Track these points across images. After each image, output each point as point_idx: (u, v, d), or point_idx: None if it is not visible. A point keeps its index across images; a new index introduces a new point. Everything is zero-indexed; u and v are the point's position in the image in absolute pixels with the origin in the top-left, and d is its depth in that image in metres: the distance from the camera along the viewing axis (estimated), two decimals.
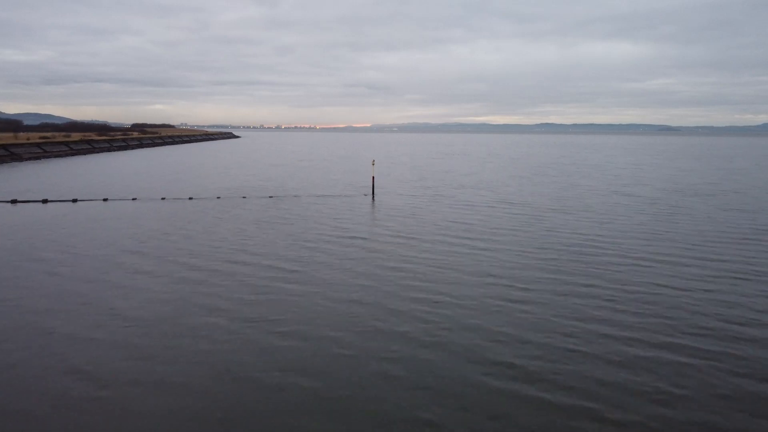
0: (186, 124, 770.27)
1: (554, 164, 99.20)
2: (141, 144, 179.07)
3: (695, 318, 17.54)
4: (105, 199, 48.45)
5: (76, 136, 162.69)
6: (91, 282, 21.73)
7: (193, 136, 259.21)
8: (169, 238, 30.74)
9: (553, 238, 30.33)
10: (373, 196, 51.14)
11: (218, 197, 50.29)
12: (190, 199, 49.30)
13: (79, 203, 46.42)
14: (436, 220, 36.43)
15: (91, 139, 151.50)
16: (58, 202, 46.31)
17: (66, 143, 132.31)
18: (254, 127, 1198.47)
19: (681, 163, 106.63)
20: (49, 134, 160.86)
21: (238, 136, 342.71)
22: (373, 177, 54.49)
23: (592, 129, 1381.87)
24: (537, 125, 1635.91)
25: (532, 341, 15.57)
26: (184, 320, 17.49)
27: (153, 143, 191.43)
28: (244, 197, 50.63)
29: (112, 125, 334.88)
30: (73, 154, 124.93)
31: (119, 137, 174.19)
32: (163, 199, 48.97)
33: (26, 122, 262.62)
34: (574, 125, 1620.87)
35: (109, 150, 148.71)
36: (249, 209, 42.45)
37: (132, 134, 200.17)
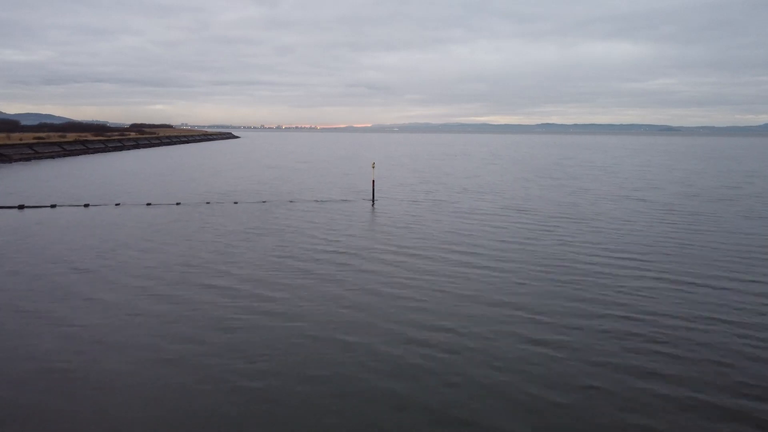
0: (186, 124, 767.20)
1: (559, 166, 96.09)
2: (137, 144, 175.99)
3: (764, 367, 14.35)
4: (86, 205, 45.42)
5: (71, 136, 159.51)
6: (15, 313, 18.25)
7: (192, 136, 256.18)
8: (137, 252, 27.56)
9: (570, 253, 27.20)
10: (373, 202, 48.13)
11: (207, 202, 47.30)
12: (178, 204, 46.32)
13: (58, 209, 43.43)
14: (439, 232, 33.31)
15: (86, 140, 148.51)
16: (36, 208, 43.32)
17: (59, 144, 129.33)
18: (255, 128, 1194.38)
19: (689, 164, 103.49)
20: (43, 134, 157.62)
21: (237, 137, 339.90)
22: (373, 181, 51.49)
23: (593, 129, 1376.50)
24: (538, 125, 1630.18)
25: (567, 407, 12.24)
26: (117, 369, 14.03)
27: (150, 144, 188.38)
28: (235, 203, 47.64)
29: (112, 125, 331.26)
30: (66, 155, 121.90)
31: (115, 137, 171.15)
32: (148, 204, 45.97)
33: (26, 122, 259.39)
34: (575, 125, 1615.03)
35: (104, 151, 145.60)
36: (238, 217, 39.38)
37: (129, 134, 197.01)
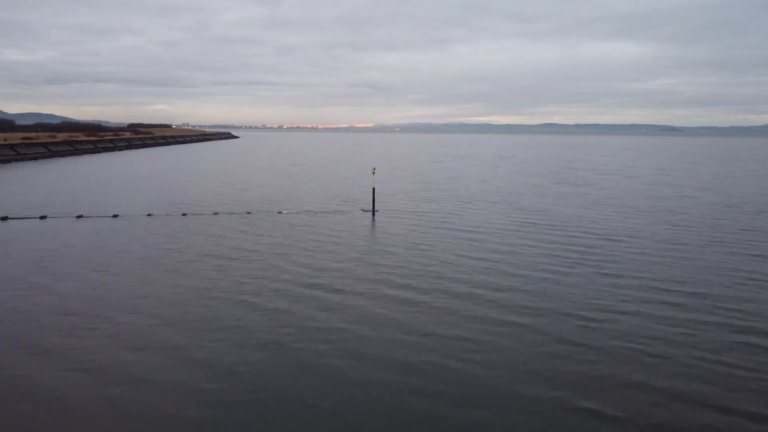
0: (188, 124, 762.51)
1: (571, 169, 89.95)
2: (130, 145, 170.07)
3: None
4: (42, 217, 39.67)
5: (62, 136, 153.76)
6: None
7: (188, 136, 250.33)
8: (41, 289, 21.58)
9: (620, 295, 21.24)
10: (374, 214, 42.41)
11: (184, 214, 41.56)
12: (149, 216, 40.57)
13: (9, 222, 37.68)
14: (448, 261, 27.29)
15: (75, 140, 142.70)
16: None
17: (44, 145, 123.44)
18: (256, 127, 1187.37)
19: (709, 166, 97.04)
20: (32, 135, 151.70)
21: (236, 137, 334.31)
22: (374, 189, 45.65)
23: (595, 129, 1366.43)
24: (539, 125, 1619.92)
25: None
26: None
27: (144, 144, 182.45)
28: (215, 213, 41.88)
29: (114, 125, 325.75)
30: (51, 156, 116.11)
31: (107, 138, 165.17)
32: (115, 216, 40.24)
33: (27, 122, 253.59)
34: (577, 125, 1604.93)
35: (93, 152, 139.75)
36: (212, 234, 33.51)
37: (123, 135, 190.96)
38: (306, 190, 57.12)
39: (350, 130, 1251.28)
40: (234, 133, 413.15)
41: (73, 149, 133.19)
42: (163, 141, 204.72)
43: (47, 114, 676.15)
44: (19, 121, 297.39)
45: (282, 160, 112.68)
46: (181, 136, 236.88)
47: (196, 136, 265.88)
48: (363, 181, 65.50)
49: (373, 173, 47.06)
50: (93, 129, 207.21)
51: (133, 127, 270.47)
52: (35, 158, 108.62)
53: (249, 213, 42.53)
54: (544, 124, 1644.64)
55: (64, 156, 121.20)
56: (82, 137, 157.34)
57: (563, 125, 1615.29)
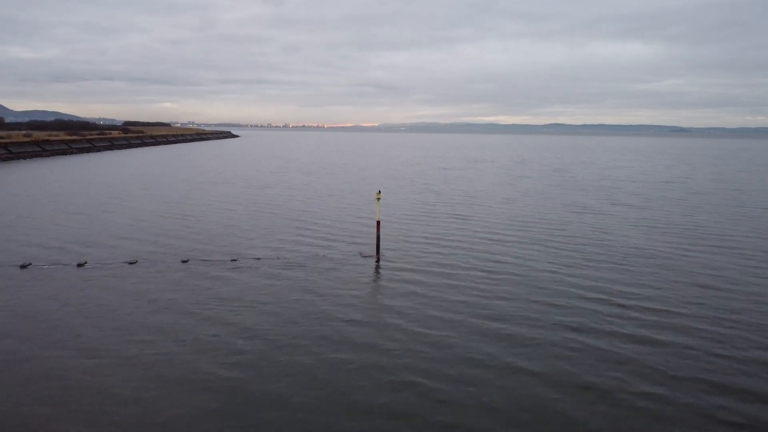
0: (194, 123, 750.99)
1: (609, 180, 73.99)
2: (112, 145, 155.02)
3: None
4: None
5: (38, 135, 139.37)
6: None
7: (182, 136, 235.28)
8: None
9: None
10: (378, 261, 27.90)
11: (81, 264, 26.88)
12: (24, 267, 25.92)
13: None
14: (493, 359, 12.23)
15: (46, 141, 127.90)
16: None
17: (4, 146, 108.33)
18: (262, 126, 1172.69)
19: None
20: (3, 134, 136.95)
21: (237, 136, 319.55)
22: (378, 222, 30.51)
23: (602, 130, 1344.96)
24: (546, 125, 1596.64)
25: None
26: None
27: (129, 144, 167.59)
28: (132, 263, 27.09)
29: (117, 124, 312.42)
30: (9, 159, 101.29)
31: (86, 138, 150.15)
32: None
33: (30, 121, 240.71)
34: (584, 126, 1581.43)
35: (65, 153, 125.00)
36: (107, 305, 18.65)
37: (110, 134, 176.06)
38: (282, 221, 41.84)
39: (356, 129, 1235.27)
40: (235, 132, 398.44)
41: (41, 150, 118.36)
42: (153, 141, 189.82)
43: (53, 112, 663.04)
44: (24, 120, 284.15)
45: (268, 164, 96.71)
46: (173, 136, 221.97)
47: (191, 135, 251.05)
48: (361, 201, 50.34)
49: (378, 198, 31.60)
50: (80, 128, 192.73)
51: (130, 125, 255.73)
52: None
53: (185, 261, 27.57)
54: (551, 125, 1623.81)
55: (27, 158, 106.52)
56: (62, 136, 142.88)
57: (570, 126, 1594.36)
